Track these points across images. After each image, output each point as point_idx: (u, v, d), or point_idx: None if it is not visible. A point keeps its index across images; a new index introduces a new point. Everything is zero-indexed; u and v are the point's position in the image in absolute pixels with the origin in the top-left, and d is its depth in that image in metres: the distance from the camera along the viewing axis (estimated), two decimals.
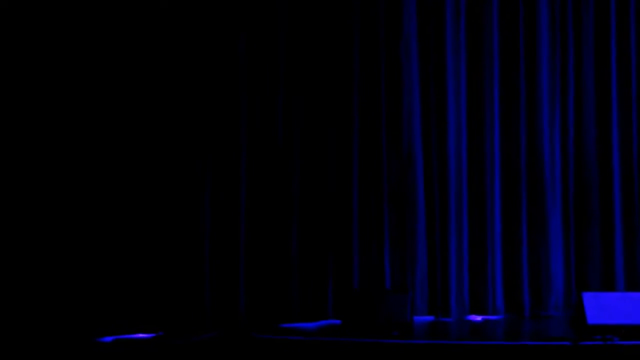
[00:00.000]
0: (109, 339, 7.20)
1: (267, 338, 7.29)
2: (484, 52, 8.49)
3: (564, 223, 8.54)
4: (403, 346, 6.99)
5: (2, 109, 7.47)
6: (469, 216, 8.39)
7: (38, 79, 7.49)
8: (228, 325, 7.66)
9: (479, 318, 8.37)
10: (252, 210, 7.93)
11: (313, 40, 8.21)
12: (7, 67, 7.47)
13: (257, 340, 7.25)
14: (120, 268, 7.52)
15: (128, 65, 7.67)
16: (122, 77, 7.65)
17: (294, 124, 8.10)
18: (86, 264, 7.46)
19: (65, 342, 7.08)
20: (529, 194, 8.52)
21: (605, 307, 7.06)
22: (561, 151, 8.55)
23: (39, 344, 7.01)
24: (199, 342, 7.26)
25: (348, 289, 7.89)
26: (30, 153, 7.47)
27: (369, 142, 8.27)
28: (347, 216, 8.14)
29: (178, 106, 7.78)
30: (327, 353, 6.98)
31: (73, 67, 7.55)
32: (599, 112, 8.61)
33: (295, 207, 8.02)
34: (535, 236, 8.53)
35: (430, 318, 8.33)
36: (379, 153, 8.25)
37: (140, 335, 7.36)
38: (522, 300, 8.49)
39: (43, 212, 7.50)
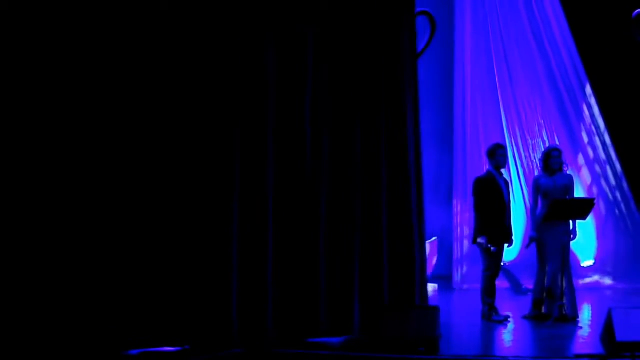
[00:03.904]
0: (135, 351, 7.19)
1: (294, 352, 7.27)
2: None
3: None
4: None
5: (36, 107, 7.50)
6: None
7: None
8: (255, 339, 7.60)
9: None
10: (279, 224, 7.88)
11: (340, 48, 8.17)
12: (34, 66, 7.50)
13: (283, 355, 7.23)
14: (148, 281, 7.50)
15: (164, 69, 7.66)
16: (160, 81, 7.65)
17: (322, 140, 8.04)
18: (114, 277, 7.44)
19: (93, 355, 7.10)
20: None
21: (634, 324, 6.99)
22: None
23: (66, 357, 7.03)
24: (225, 357, 7.24)
25: (376, 304, 7.83)
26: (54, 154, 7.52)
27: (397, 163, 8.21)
28: (377, 232, 8.09)
29: (202, 107, 7.73)
30: None
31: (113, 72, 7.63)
32: None
33: (322, 220, 7.96)
34: None
35: None
36: (407, 174, 8.19)
37: (166, 348, 7.34)
38: None
39: (65, 222, 7.48)
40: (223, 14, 7.79)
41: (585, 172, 12.43)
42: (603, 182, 12.37)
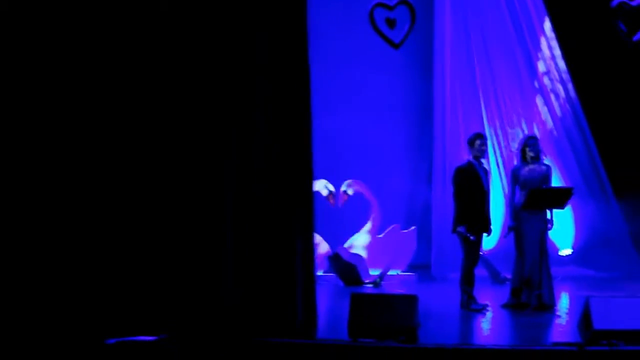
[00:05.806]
0: (112, 341, 7.15)
1: (272, 341, 7.25)
2: None
3: None
4: (408, 350, 6.97)
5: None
6: None
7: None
8: (234, 328, 7.55)
9: None
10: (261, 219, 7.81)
11: None
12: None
13: (262, 343, 7.21)
14: (127, 271, 7.46)
15: (162, 69, 7.60)
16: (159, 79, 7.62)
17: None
18: (94, 265, 7.40)
19: (71, 344, 7.05)
20: None
21: (612, 313, 7.01)
22: None
23: (45, 345, 6.98)
24: (201, 345, 7.21)
25: (355, 293, 7.80)
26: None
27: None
28: None
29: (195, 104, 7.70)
30: (333, 356, 6.96)
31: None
32: None
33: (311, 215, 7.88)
34: None
35: None
36: None
37: (143, 337, 7.30)
38: None
39: (52, 212, 7.45)
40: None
41: (565, 161, 12.48)
42: (581, 172, 12.42)
